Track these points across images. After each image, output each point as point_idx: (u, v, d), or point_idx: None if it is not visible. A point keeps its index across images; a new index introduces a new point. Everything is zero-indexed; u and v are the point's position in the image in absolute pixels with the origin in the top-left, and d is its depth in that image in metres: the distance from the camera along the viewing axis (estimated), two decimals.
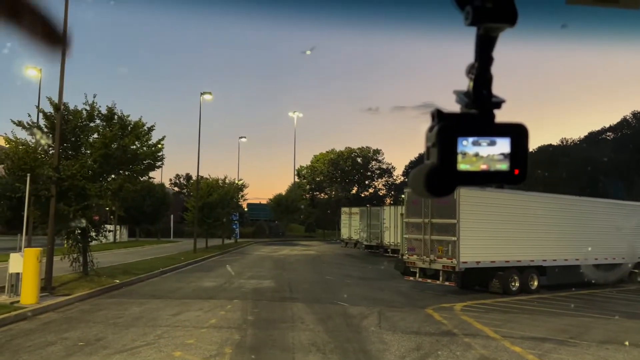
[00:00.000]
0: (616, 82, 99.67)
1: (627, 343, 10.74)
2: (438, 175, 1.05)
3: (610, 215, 21.36)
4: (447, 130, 1.05)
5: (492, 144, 1.06)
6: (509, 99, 1.11)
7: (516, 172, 1.06)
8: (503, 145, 1.06)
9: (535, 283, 18.57)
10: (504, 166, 1.06)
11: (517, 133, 1.07)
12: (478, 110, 1.08)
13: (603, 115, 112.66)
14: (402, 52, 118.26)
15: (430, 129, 1.07)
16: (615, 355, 9.73)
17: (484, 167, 1.05)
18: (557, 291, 18.45)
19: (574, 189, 36.24)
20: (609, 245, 20.72)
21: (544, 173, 47.47)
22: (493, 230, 17.33)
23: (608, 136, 54.68)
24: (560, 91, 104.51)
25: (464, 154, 1.05)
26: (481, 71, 1.07)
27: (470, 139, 1.05)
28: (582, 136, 57.38)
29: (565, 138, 58.79)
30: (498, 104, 1.08)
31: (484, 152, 1.05)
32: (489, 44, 1.06)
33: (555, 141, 59.30)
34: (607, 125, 55.81)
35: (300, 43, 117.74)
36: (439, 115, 1.07)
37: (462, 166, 1.05)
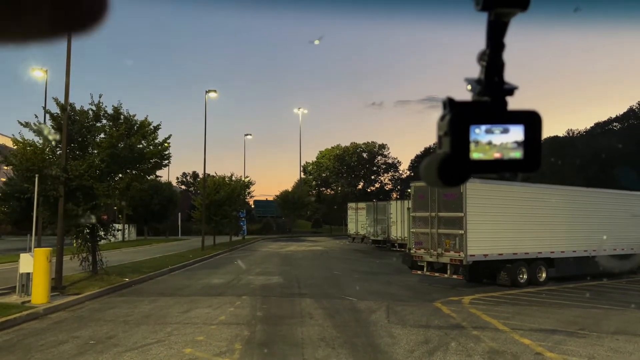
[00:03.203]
0: (622, 72, 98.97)
1: None
2: (451, 164, 1.02)
3: (618, 205, 21.25)
4: (459, 118, 1.03)
5: (505, 131, 1.04)
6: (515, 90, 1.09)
7: (530, 160, 1.04)
8: (516, 133, 1.04)
9: (544, 275, 18.51)
10: (517, 154, 1.04)
11: (531, 120, 1.05)
12: (490, 98, 1.06)
13: (610, 105, 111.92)
14: (406, 45, 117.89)
15: (442, 118, 1.05)
16: (626, 346, 9.70)
17: (497, 155, 1.03)
18: (565, 283, 18.40)
19: (581, 180, 36.05)
20: (618, 235, 20.62)
21: (550, 164, 47.21)
22: (500, 222, 17.28)
23: (615, 126, 54.25)
24: (567, 82, 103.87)
25: (477, 142, 1.03)
26: (493, 58, 1.05)
27: (483, 127, 1.03)
28: (588, 127, 57.01)
29: (571, 129, 58.43)
30: (510, 90, 1.06)
31: (497, 140, 1.03)
32: (500, 30, 1.04)
33: (561, 132, 58.96)
34: (614, 116, 55.40)
35: (304, 39, 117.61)
36: (450, 104, 1.05)
37: (475, 155, 1.03)
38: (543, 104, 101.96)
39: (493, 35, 1.05)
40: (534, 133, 1.05)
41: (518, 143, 1.04)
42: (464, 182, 1.05)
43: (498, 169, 1.05)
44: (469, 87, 1.09)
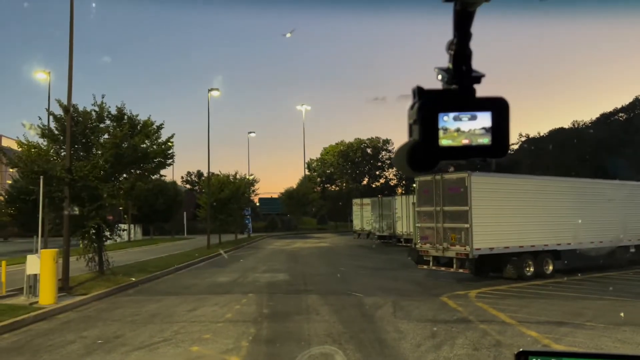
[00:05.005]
0: (628, 62, 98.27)
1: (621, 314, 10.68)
2: (420, 151, 1.06)
3: (624, 196, 21.13)
4: (427, 106, 1.06)
5: (473, 118, 1.06)
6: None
7: (498, 145, 1.07)
8: (484, 119, 1.06)
9: (550, 267, 18.44)
10: (485, 140, 1.06)
11: (498, 107, 1.07)
12: (458, 86, 1.08)
13: (615, 96, 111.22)
14: (407, 37, 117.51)
15: (412, 106, 1.08)
16: (633, 336, 9.67)
17: (465, 141, 1.06)
18: (572, 275, 18.32)
19: (587, 171, 35.89)
20: (624, 227, 20.50)
21: (556, 156, 47.02)
22: (506, 215, 17.22)
23: (620, 117, 53.85)
24: (571, 74, 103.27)
25: (446, 129, 1.06)
26: (460, 47, 1.07)
27: (451, 115, 1.06)
28: (593, 118, 56.59)
29: (576, 120, 58.03)
30: (478, 78, 1.09)
31: (465, 127, 1.06)
32: (467, 20, 1.06)
33: (566, 124, 58.56)
34: (619, 106, 54.98)
35: (306, 36, 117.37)
36: (419, 92, 1.07)
37: (444, 142, 1.06)
38: (548, 96, 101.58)
39: (459, 25, 1.07)
40: (501, 119, 1.07)
41: (486, 129, 1.06)
42: (432, 168, 1.09)
43: (467, 155, 1.08)
44: (439, 76, 1.11)
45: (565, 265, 18.75)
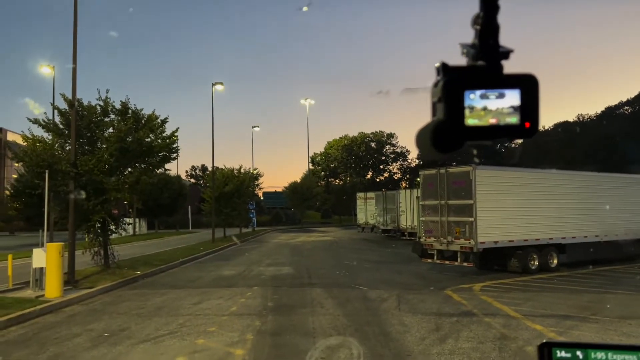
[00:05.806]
0: (633, 55, 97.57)
1: None
2: (445, 131, 1.00)
3: (629, 189, 21.05)
4: (452, 84, 1.00)
5: (501, 96, 1.01)
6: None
7: (527, 125, 1.01)
8: (513, 97, 1.01)
9: (555, 261, 18.41)
10: (514, 119, 1.01)
11: (527, 84, 1.02)
12: (485, 62, 1.03)
13: (620, 89, 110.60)
14: (410, 30, 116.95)
15: (436, 84, 1.03)
16: (638, 330, 9.65)
17: (493, 121, 1.01)
18: (577, 268, 18.29)
19: (592, 165, 35.74)
20: (629, 220, 20.44)
21: (561, 150, 46.84)
22: (510, 209, 17.18)
23: (626, 110, 53.57)
24: (577, 67, 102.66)
25: (472, 108, 1.00)
26: (487, 20, 1.02)
27: (478, 92, 1.00)
28: (599, 111, 56.33)
29: (581, 114, 57.80)
30: (506, 54, 1.03)
31: (493, 106, 1.01)
32: None
33: (571, 117, 58.35)
34: (625, 100, 54.70)
35: (310, 31, 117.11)
36: (444, 69, 1.02)
37: (470, 121, 1.00)
38: (553, 89, 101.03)
39: None
40: (530, 97, 1.01)
41: (514, 108, 1.01)
42: (458, 149, 1.03)
43: (494, 135, 1.02)
44: (464, 51, 1.06)
45: (570, 259, 18.71)
